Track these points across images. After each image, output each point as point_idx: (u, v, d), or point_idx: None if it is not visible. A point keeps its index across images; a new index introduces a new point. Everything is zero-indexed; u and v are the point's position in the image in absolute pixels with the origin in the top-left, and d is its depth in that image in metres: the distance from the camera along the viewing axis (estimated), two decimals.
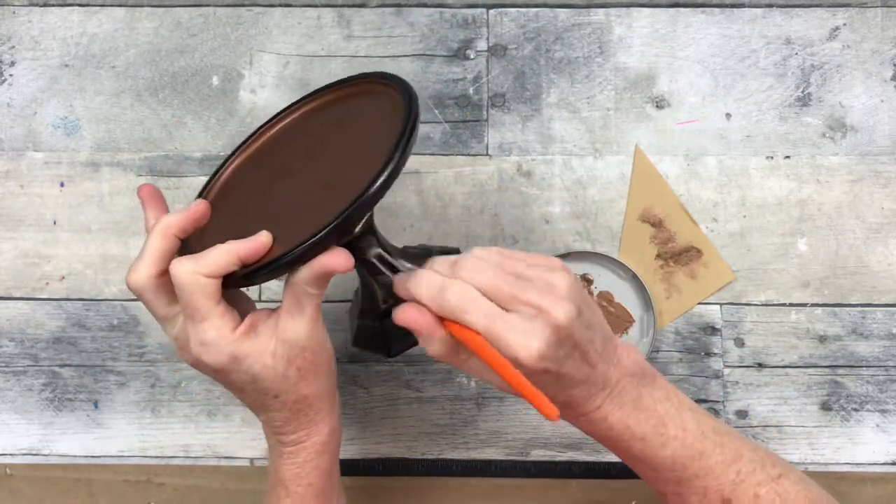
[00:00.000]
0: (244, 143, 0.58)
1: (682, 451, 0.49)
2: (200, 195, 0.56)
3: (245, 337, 0.47)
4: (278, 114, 0.59)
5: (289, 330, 0.48)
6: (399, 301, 0.48)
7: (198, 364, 0.48)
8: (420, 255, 0.55)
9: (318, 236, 0.44)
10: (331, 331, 0.70)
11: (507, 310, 0.43)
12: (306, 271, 0.46)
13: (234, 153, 0.58)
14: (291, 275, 0.46)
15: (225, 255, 0.46)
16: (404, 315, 0.45)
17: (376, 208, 0.47)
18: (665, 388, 0.50)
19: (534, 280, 0.44)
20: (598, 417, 0.48)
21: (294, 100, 0.59)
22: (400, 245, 0.56)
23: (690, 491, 0.49)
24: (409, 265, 0.51)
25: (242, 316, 0.49)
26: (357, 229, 0.48)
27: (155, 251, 0.48)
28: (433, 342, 0.45)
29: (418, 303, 0.45)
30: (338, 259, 0.45)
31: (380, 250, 0.51)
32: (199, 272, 0.45)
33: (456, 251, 0.58)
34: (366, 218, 0.48)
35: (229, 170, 0.58)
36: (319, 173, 0.52)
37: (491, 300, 0.44)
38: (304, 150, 0.55)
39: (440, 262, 0.46)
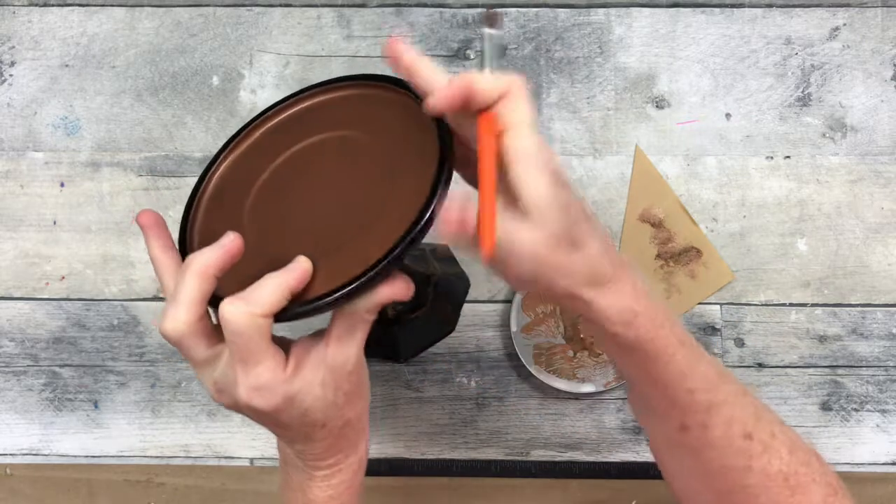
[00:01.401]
0: (241, 132, 0.52)
1: (711, 368, 0.47)
2: (196, 190, 0.52)
3: (295, 374, 0.45)
4: (280, 101, 0.53)
5: (339, 357, 0.46)
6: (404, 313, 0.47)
7: (246, 408, 0.44)
8: (426, 276, 0.54)
9: (378, 268, 0.42)
10: None
11: None
12: (368, 301, 0.44)
13: (229, 143, 0.52)
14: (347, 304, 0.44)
15: (277, 290, 0.42)
16: (453, 212, 0.42)
17: None
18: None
19: None
20: (650, 308, 0.45)
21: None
22: None
23: (718, 420, 0.47)
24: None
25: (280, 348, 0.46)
26: None
27: (195, 295, 0.43)
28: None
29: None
30: (402, 288, 0.44)
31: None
32: (255, 313, 0.42)
33: (445, 248, 0.58)
34: None
35: (227, 162, 0.52)
36: (347, 185, 0.47)
37: None
38: (318, 150, 0.50)
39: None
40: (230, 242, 0.44)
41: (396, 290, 0.44)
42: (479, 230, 0.40)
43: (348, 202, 0.46)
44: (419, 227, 0.41)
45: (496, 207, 0.41)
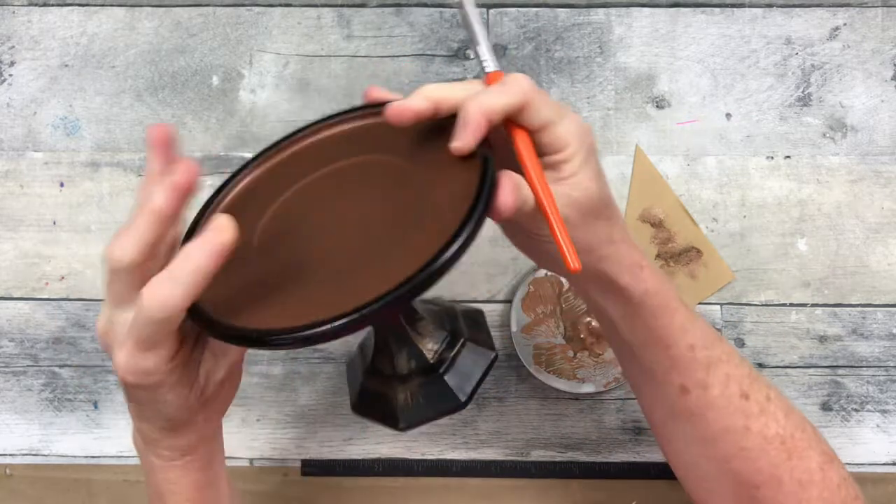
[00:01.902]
0: (259, 155, 0.50)
1: (708, 329, 0.48)
2: (206, 207, 0.49)
3: (174, 370, 0.42)
4: (298, 130, 0.50)
5: (209, 367, 0.45)
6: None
7: (113, 364, 0.42)
8: (443, 334, 0.48)
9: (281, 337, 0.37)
10: None
11: None
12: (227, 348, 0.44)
13: (247, 166, 0.49)
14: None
15: (197, 275, 0.38)
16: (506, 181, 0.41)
17: None
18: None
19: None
20: (649, 270, 0.47)
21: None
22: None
23: (716, 380, 0.48)
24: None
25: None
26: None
27: (151, 237, 0.39)
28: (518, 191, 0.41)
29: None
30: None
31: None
32: (176, 309, 0.38)
33: (479, 313, 0.53)
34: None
35: (243, 183, 0.49)
36: (362, 218, 0.43)
37: None
38: (337, 182, 0.46)
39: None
40: (216, 238, 0.38)
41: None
42: (560, 250, 0.40)
43: (367, 230, 0.42)
44: (407, 286, 0.36)
45: (561, 223, 0.41)
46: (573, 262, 0.40)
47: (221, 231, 0.38)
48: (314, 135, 0.49)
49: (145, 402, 0.44)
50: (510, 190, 0.40)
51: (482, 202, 0.38)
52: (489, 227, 0.71)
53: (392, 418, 0.46)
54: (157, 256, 0.41)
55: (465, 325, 0.50)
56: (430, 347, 0.47)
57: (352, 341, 0.70)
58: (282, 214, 0.46)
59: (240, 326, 0.39)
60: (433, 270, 0.36)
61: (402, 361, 0.47)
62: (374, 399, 0.48)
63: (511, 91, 0.42)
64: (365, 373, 0.49)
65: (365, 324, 0.36)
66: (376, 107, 0.47)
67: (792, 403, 0.51)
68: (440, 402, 0.46)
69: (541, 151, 0.43)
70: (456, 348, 0.48)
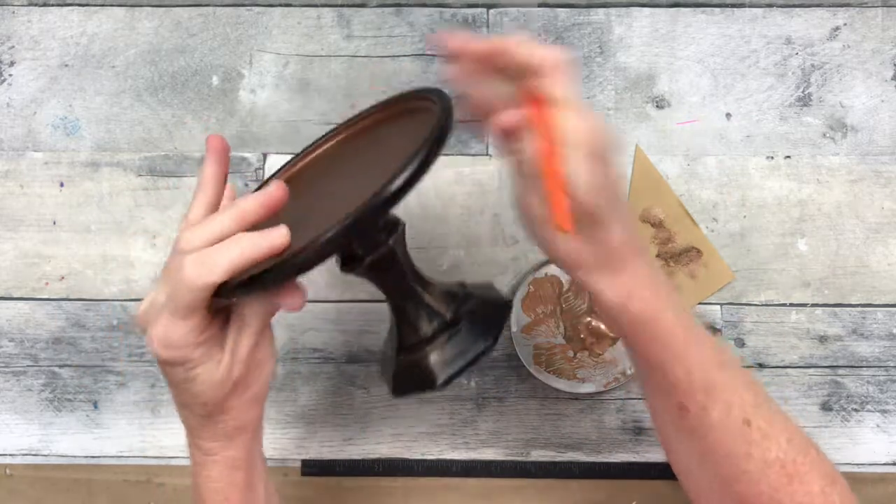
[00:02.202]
0: (281, 170, 0.57)
1: (711, 355, 0.48)
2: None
3: (203, 343, 0.45)
4: (315, 142, 0.58)
5: (234, 340, 0.47)
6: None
7: (147, 341, 0.46)
8: (454, 293, 0.52)
9: (284, 256, 0.42)
10: (333, 330, 0.70)
11: None
12: (258, 301, 0.45)
13: (286, 165, 0.57)
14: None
15: (240, 258, 0.42)
16: (501, 117, 0.45)
17: None
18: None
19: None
20: (648, 295, 0.47)
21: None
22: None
23: (715, 403, 0.48)
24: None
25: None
26: (371, 256, 0.47)
27: (223, 231, 0.44)
28: (527, 137, 0.44)
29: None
30: (291, 299, 0.45)
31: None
32: (211, 277, 0.42)
33: (490, 284, 0.57)
34: (387, 242, 0.48)
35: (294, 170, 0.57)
36: (345, 194, 0.49)
37: None
38: (341, 173, 0.53)
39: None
40: (271, 191, 0.44)
41: (286, 300, 0.45)
42: (554, 212, 0.42)
43: (355, 190, 0.47)
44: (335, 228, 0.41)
45: (560, 178, 0.42)
46: (563, 224, 0.41)
47: (279, 234, 0.43)
48: (333, 138, 0.58)
49: (180, 382, 0.46)
50: (513, 114, 0.44)
51: (442, 120, 0.45)
52: (488, 226, 0.71)
53: (429, 381, 0.50)
54: None
55: (472, 285, 0.55)
56: (445, 306, 0.51)
57: (352, 341, 0.70)
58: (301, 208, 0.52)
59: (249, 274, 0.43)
60: (409, 169, 0.42)
61: (424, 325, 0.51)
62: (408, 372, 0.51)
63: (542, 52, 0.44)
64: (396, 353, 0.53)
65: (350, 231, 0.41)
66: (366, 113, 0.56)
67: (798, 430, 0.50)
68: (468, 351, 0.50)
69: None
70: (470, 301, 0.52)
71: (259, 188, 0.56)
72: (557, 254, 0.47)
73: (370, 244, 0.48)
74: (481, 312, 0.51)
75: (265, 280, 0.42)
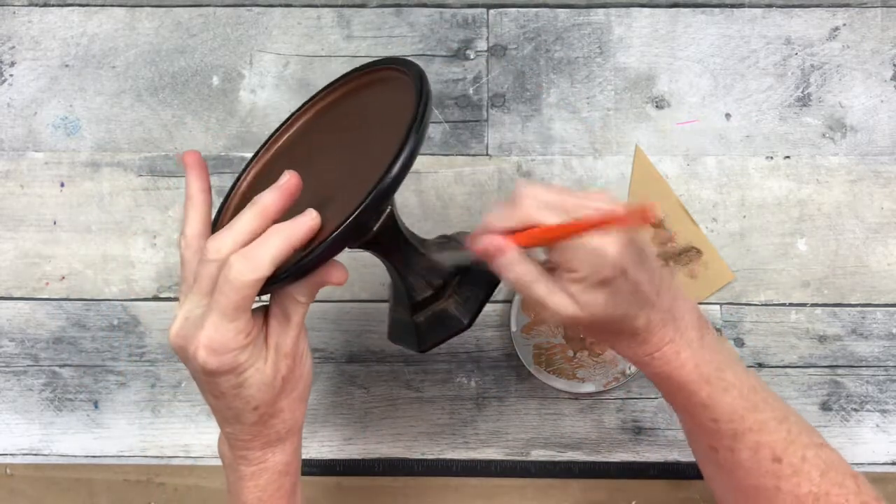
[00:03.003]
0: (262, 147, 0.57)
1: (740, 401, 0.49)
2: (222, 206, 0.54)
3: (250, 344, 0.45)
4: (291, 116, 0.57)
5: (277, 336, 0.46)
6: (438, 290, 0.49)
7: (193, 359, 0.44)
8: (442, 244, 0.55)
9: (333, 235, 0.42)
10: (333, 330, 0.70)
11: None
12: (299, 289, 0.45)
13: (253, 159, 0.56)
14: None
15: (281, 247, 0.42)
16: (478, 242, 0.45)
17: None
18: (717, 337, 0.50)
19: (588, 203, 0.45)
20: (671, 353, 0.48)
21: (297, 98, 0.58)
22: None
23: (744, 446, 0.49)
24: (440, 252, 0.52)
25: None
26: (377, 226, 0.48)
27: (250, 230, 0.43)
28: (510, 262, 0.45)
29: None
30: (337, 274, 0.45)
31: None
32: (259, 274, 0.42)
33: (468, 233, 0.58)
34: (386, 213, 0.48)
35: (250, 175, 0.56)
36: (339, 169, 0.50)
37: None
38: (323, 148, 0.53)
39: (498, 207, 0.47)
40: (286, 182, 0.44)
41: (332, 275, 0.45)
42: (627, 221, 0.41)
43: (341, 181, 0.48)
44: (369, 197, 0.42)
45: (614, 217, 0.42)
46: (640, 213, 0.41)
47: (311, 218, 0.43)
48: (300, 119, 0.56)
49: (230, 390, 0.45)
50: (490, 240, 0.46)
51: (420, 109, 0.45)
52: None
53: (456, 322, 0.52)
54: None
55: (459, 238, 0.56)
56: (443, 255, 0.53)
57: (352, 341, 0.70)
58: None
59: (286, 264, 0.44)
60: (362, 209, 0.42)
61: (432, 275, 0.52)
62: (431, 324, 0.53)
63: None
64: (411, 313, 0.54)
65: (358, 228, 0.42)
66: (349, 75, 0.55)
67: (837, 460, 0.51)
68: (481, 280, 0.52)
69: (554, 264, 0.46)
70: (458, 275, 0.53)
71: (242, 173, 0.55)
72: (579, 330, 0.48)
73: (378, 213, 0.48)
74: (466, 292, 0.53)
75: (313, 261, 0.43)
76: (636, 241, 0.45)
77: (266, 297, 0.46)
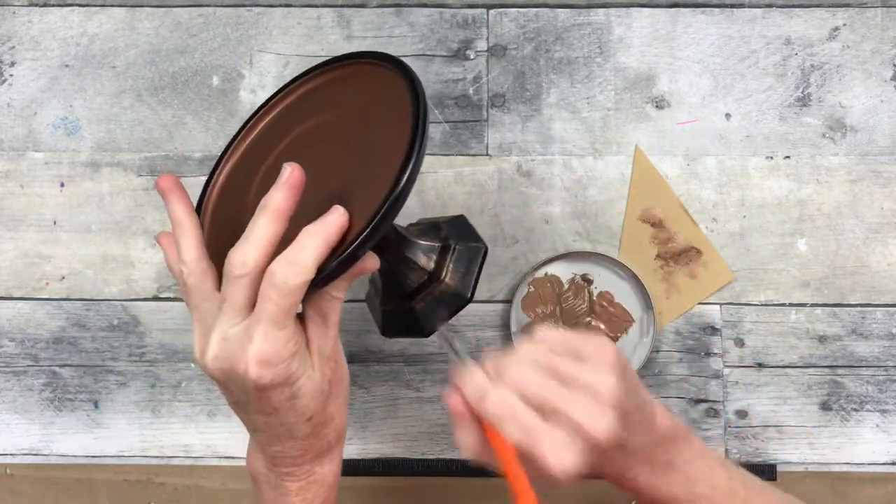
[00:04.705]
0: (240, 132, 0.55)
1: (715, 495, 0.49)
2: (203, 195, 0.53)
3: (297, 351, 0.44)
4: (271, 98, 0.55)
5: (318, 339, 0.45)
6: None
7: (244, 377, 0.42)
8: (428, 231, 0.55)
9: (364, 235, 0.42)
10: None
11: (546, 419, 0.42)
12: (336, 287, 0.45)
13: (230, 146, 0.55)
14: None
15: (320, 248, 0.42)
16: (451, 400, 0.44)
17: None
18: (698, 446, 0.49)
19: (579, 380, 0.43)
20: (628, 486, 0.48)
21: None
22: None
23: None
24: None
25: None
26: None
27: (270, 235, 0.42)
28: (465, 433, 0.44)
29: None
30: (371, 260, 0.45)
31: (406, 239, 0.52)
32: (305, 277, 0.41)
33: (462, 218, 0.58)
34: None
35: (227, 168, 0.54)
36: (334, 167, 0.49)
37: (532, 407, 0.43)
38: (307, 139, 0.52)
39: (491, 359, 0.45)
40: (290, 176, 0.43)
41: (368, 262, 0.45)
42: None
43: (341, 181, 0.47)
44: (392, 197, 0.42)
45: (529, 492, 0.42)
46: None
47: (339, 215, 0.43)
48: (272, 109, 0.55)
49: (284, 405, 0.44)
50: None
51: (418, 136, 0.44)
52: (488, 226, 0.71)
53: (417, 329, 0.52)
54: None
55: (450, 231, 0.56)
56: (427, 259, 0.53)
57: (352, 341, 0.70)
58: (265, 187, 0.50)
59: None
60: (394, 197, 0.42)
61: (407, 279, 0.53)
62: (396, 319, 0.54)
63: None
64: (382, 301, 0.55)
65: (357, 254, 0.43)
66: (322, 66, 0.53)
67: None
68: (451, 303, 0.53)
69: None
70: (450, 252, 0.54)
71: (217, 166, 0.53)
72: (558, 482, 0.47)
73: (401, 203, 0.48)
74: (461, 267, 0.54)
75: (352, 255, 0.42)
76: (631, 383, 0.45)
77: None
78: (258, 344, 0.41)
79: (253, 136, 0.54)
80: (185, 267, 0.45)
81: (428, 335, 0.53)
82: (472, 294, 0.53)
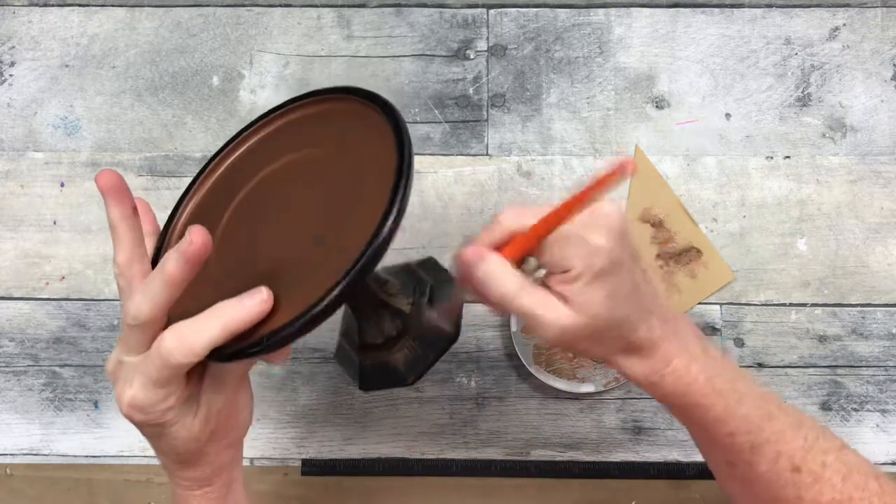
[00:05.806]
0: (212, 160, 0.51)
1: (755, 411, 0.48)
2: (171, 218, 0.51)
3: (179, 404, 0.44)
4: (244, 129, 0.51)
5: (210, 394, 0.45)
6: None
7: (118, 401, 0.43)
8: (402, 272, 0.53)
9: (289, 331, 0.39)
10: (333, 331, 0.70)
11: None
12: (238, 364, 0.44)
13: (200, 174, 0.51)
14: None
15: (220, 331, 0.40)
16: (460, 255, 0.44)
17: None
18: (718, 347, 0.49)
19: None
20: (682, 368, 0.47)
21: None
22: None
23: (762, 458, 0.48)
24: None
25: None
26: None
27: (165, 299, 0.41)
28: (491, 270, 0.44)
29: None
30: (281, 357, 0.44)
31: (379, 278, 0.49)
32: (190, 356, 0.40)
33: (432, 260, 0.58)
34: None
35: (196, 198, 0.51)
36: (304, 217, 0.45)
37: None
38: (284, 174, 0.48)
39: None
40: (188, 248, 0.40)
41: (275, 360, 0.43)
42: (615, 176, 0.41)
43: (312, 229, 0.44)
44: (351, 273, 0.39)
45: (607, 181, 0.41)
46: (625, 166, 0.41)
47: (260, 300, 0.41)
48: (243, 144, 0.51)
49: (153, 436, 0.46)
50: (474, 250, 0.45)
51: (403, 179, 0.41)
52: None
53: (399, 378, 0.50)
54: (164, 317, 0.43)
55: (423, 271, 0.55)
56: (404, 302, 0.51)
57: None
58: (230, 234, 0.48)
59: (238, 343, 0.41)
60: (375, 248, 0.39)
61: (387, 325, 0.51)
62: (376, 371, 0.52)
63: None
64: (358, 352, 0.52)
65: (332, 308, 0.39)
66: (297, 100, 0.50)
67: (859, 463, 0.49)
68: (435, 344, 0.51)
69: (547, 269, 0.45)
70: (426, 293, 0.52)
71: (189, 190, 0.52)
72: (577, 350, 0.46)
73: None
74: (442, 306, 0.52)
75: (253, 354, 0.40)
76: (628, 234, 0.44)
77: None
78: (135, 390, 0.42)
79: (239, 153, 0.51)
80: (117, 269, 0.45)
81: (412, 384, 0.51)
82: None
